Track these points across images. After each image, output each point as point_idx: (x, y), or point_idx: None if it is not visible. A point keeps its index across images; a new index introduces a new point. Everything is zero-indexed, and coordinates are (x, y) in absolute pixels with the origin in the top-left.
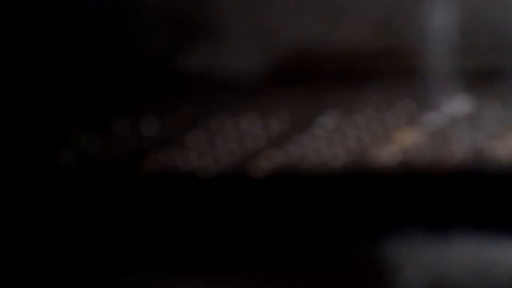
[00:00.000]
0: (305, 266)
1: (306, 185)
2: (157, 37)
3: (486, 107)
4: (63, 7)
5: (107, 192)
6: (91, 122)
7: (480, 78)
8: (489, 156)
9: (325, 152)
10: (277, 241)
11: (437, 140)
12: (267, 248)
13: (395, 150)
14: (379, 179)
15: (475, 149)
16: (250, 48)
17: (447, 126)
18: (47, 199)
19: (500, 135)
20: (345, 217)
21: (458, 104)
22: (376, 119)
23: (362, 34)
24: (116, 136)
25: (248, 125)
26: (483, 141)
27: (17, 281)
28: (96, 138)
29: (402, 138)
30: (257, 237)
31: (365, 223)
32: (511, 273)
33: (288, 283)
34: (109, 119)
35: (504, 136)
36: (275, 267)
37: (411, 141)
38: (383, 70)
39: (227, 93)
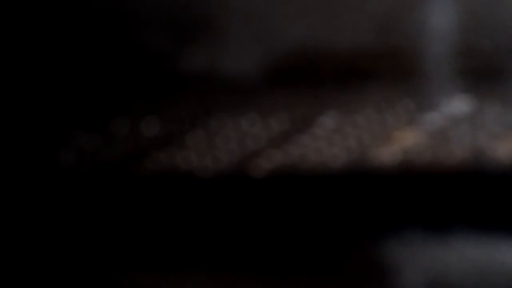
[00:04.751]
0: (305, 266)
1: (306, 185)
2: (157, 37)
3: (486, 107)
4: (63, 7)
5: (107, 192)
6: (91, 122)
7: (480, 78)
8: (489, 156)
9: (325, 152)
10: (277, 241)
11: (437, 140)
12: (267, 248)
13: (395, 150)
14: (379, 179)
15: (475, 149)
16: (250, 48)
17: (447, 126)
18: (47, 199)
19: (500, 135)
20: (345, 217)
21: (458, 104)
22: (376, 119)
23: (362, 34)
24: (116, 136)
25: (248, 125)
26: (483, 141)
27: (17, 281)
28: (96, 138)
29: (402, 138)
30: (257, 237)
31: (365, 223)
32: (511, 273)
33: (287, 283)
34: (109, 119)
35: (504, 136)
36: (275, 267)
37: (411, 141)
38: (383, 70)
39: (227, 93)
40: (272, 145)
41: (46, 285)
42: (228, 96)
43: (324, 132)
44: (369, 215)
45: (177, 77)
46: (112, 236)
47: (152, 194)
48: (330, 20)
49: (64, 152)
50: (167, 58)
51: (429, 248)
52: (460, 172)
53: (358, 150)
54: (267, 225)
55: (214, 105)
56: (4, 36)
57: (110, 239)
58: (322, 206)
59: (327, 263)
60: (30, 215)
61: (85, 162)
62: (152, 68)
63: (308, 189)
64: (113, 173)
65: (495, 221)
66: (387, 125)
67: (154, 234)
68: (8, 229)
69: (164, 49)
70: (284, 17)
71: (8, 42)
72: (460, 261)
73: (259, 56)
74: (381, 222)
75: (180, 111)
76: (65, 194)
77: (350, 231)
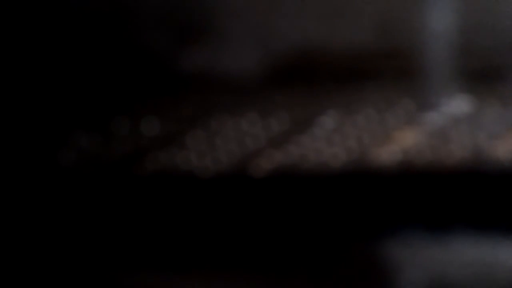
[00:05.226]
0: (305, 266)
1: (306, 185)
2: (158, 37)
3: (486, 107)
4: (63, 7)
5: (107, 192)
6: (91, 122)
7: (480, 78)
8: (489, 156)
9: (325, 152)
10: (277, 241)
11: (437, 140)
12: (267, 248)
13: (395, 150)
14: (379, 179)
15: (475, 149)
16: (250, 49)
17: (447, 126)
18: (47, 199)
19: (500, 135)
20: (345, 217)
21: (458, 104)
22: (376, 119)
23: (362, 35)
24: (116, 136)
25: (248, 125)
26: (483, 141)
27: (17, 281)
28: (96, 138)
29: (402, 138)
30: (257, 237)
31: (365, 223)
32: (511, 273)
33: (287, 283)
34: (109, 119)
35: (504, 136)
36: (275, 267)
37: (411, 141)
38: (383, 70)
39: (227, 93)
40: (272, 145)
41: (46, 285)
42: (228, 96)
43: (324, 132)
44: (369, 215)
45: (177, 77)
46: (112, 236)
47: (152, 194)
48: (330, 20)
49: (64, 152)
50: (167, 58)
51: (429, 248)
52: (460, 172)
53: (358, 150)
54: (267, 225)
55: (214, 105)
56: (4, 36)
57: (110, 239)
58: (322, 206)
59: (327, 263)
60: (30, 215)
61: (85, 162)
62: (152, 68)
63: (308, 189)
64: (113, 173)
65: (495, 221)
66: (387, 125)
67: (154, 234)
68: (8, 229)
69: (164, 49)
70: (284, 17)
71: (9, 42)
72: (460, 261)
73: (259, 56)
74: (381, 222)
75: (180, 111)
76: (65, 194)
77: (350, 231)
